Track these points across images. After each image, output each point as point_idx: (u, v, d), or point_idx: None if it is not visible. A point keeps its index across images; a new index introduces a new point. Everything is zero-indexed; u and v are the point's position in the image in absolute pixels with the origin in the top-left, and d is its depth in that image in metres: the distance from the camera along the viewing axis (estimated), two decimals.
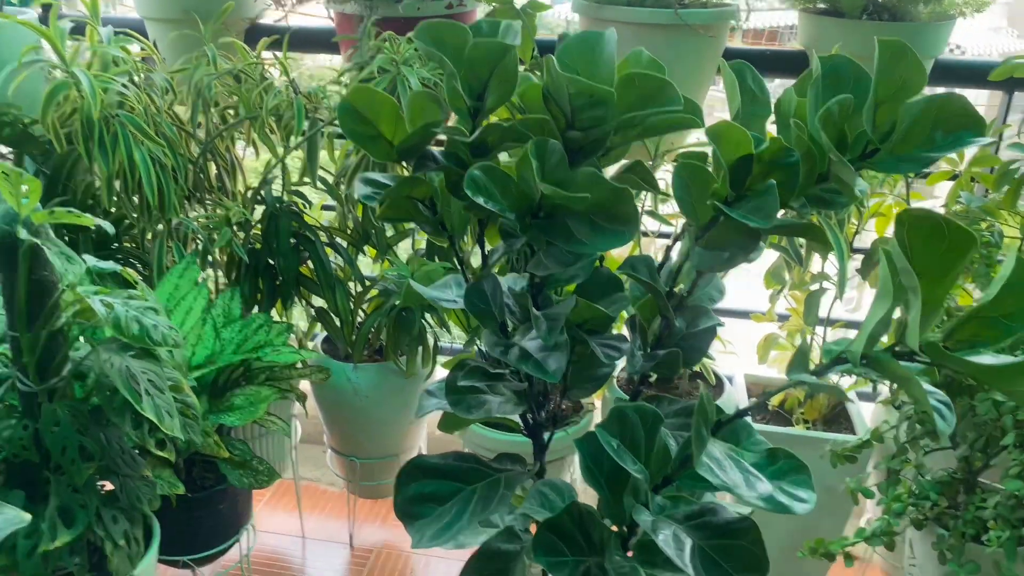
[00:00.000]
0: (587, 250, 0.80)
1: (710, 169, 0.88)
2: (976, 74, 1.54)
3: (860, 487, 1.25)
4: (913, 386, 0.60)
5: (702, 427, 0.67)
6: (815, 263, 1.59)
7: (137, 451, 1.18)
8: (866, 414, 1.61)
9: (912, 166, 0.84)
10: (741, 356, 1.76)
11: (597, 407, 1.71)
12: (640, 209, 1.56)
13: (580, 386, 0.99)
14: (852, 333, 1.78)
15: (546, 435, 1.03)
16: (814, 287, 1.54)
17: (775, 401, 1.64)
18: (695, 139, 1.62)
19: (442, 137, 0.90)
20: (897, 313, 0.68)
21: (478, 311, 0.92)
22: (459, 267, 1.01)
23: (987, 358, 0.58)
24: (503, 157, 1.01)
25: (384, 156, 0.90)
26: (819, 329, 1.60)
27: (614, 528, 0.86)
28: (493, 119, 0.94)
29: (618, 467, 0.84)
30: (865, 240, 1.60)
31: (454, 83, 0.85)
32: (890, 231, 1.59)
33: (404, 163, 0.91)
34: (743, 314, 1.81)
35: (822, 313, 1.53)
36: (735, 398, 1.61)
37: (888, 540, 1.19)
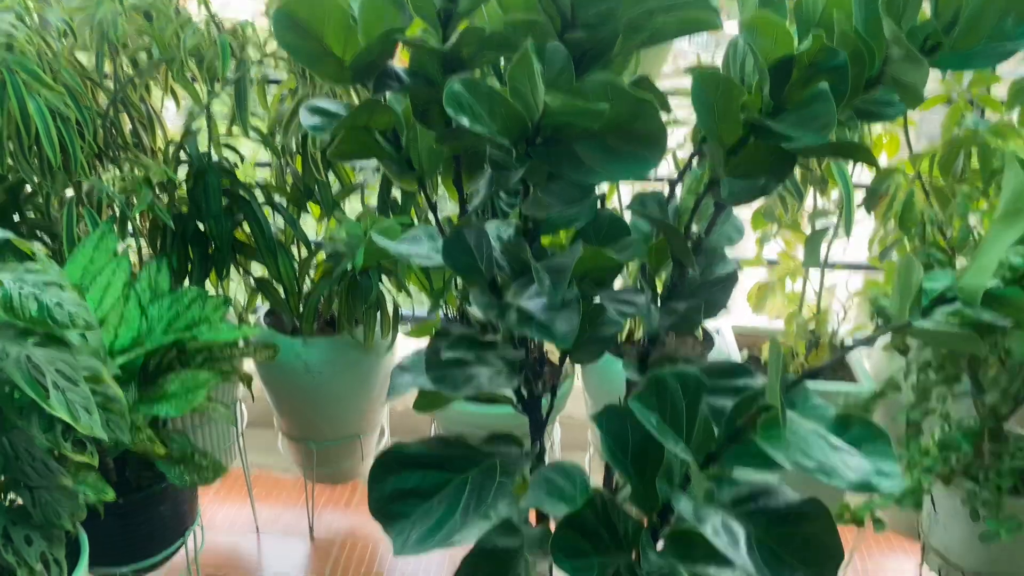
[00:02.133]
0: (601, 179, 0.64)
1: None
2: None
3: None
4: None
5: (782, 397, 0.52)
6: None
7: (53, 455, 0.99)
8: (865, 362, 1.50)
9: (982, 61, 0.69)
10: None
11: (577, 370, 1.56)
12: None
13: (584, 348, 0.84)
14: (856, 277, 1.66)
15: (544, 409, 0.88)
16: (810, 225, 1.41)
17: (766, 352, 1.51)
18: (672, 68, 1.46)
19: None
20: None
21: (462, 266, 0.75)
22: (432, 216, 0.84)
23: None
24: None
25: (334, 77, 0.72)
26: (814, 273, 1.47)
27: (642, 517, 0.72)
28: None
29: (646, 446, 0.69)
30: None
31: None
32: (883, 161, 1.47)
33: (360, 85, 0.73)
34: None
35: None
36: (726, 352, 1.48)
37: (917, 499, 1.08)
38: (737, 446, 0.64)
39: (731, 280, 0.87)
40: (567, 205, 0.69)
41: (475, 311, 0.79)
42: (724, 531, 0.63)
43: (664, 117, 0.83)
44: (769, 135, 0.67)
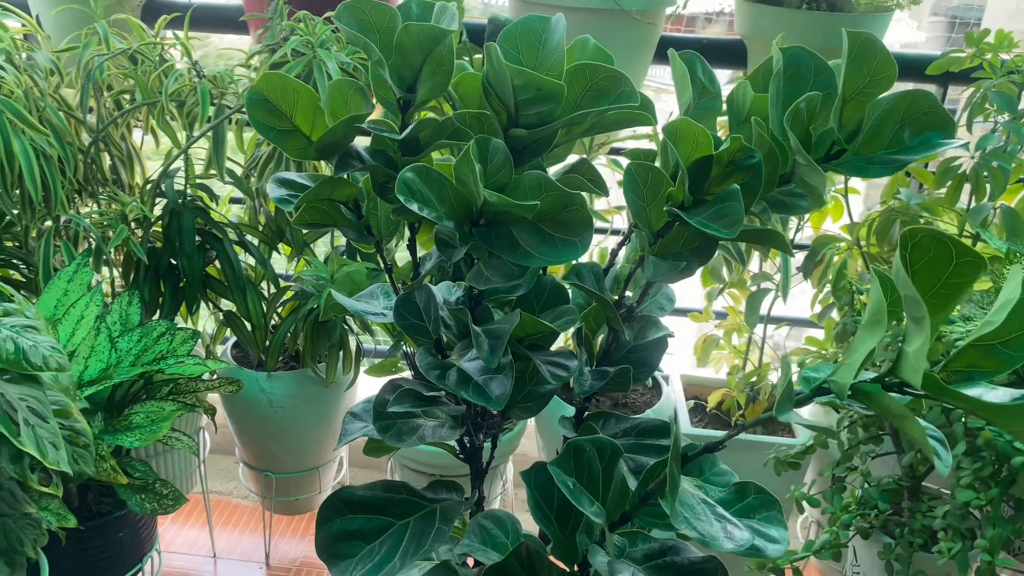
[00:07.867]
0: (535, 263, 0.71)
1: (658, 166, 0.81)
2: (912, 68, 1.51)
3: (806, 496, 1.21)
4: (910, 423, 0.53)
5: (676, 472, 0.59)
6: (753, 261, 1.54)
7: (18, 484, 1.04)
8: (803, 413, 1.58)
9: (881, 169, 0.78)
10: (676, 355, 1.70)
11: None
12: None
13: (521, 406, 0.91)
14: (797, 332, 1.75)
15: (484, 459, 0.94)
16: (753, 285, 1.49)
17: (712, 402, 1.59)
18: (630, 131, 1.55)
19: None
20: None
21: (410, 327, 0.82)
22: (386, 274, 0.91)
23: (992, 393, 0.52)
24: (436, 155, 0.92)
25: (300, 153, 0.79)
26: (758, 328, 1.55)
27: (564, 567, 0.78)
28: (425, 114, 0.84)
29: (568, 503, 0.76)
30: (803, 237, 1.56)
31: (381, 72, 0.75)
32: (828, 226, 1.56)
33: (324, 161, 0.80)
34: (678, 312, 1.75)
35: (762, 311, 1.48)
36: (673, 400, 1.55)
37: (836, 552, 1.15)
38: (647, 507, 0.71)
39: (661, 345, 0.94)
40: (508, 280, 0.75)
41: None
42: None
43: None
44: (687, 226, 0.75)
